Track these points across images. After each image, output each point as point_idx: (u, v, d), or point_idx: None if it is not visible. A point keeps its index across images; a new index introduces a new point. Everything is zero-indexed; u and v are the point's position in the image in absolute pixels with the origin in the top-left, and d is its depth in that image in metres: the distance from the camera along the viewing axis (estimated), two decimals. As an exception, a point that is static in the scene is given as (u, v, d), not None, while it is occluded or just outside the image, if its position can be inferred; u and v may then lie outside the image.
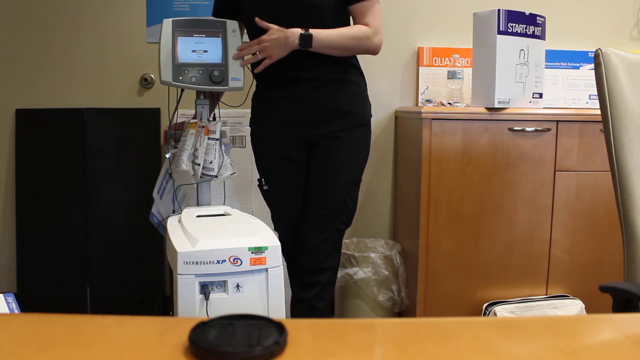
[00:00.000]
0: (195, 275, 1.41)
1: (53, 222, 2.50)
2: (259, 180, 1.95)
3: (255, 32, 1.82)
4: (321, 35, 1.73)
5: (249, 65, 1.90)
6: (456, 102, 2.55)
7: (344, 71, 1.83)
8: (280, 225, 1.97)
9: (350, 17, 1.84)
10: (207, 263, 1.41)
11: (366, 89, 1.92)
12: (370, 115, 1.93)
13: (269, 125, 1.91)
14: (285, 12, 1.76)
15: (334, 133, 1.83)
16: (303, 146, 1.87)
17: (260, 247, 1.45)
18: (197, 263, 1.41)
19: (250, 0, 1.82)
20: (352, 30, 1.78)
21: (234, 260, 1.42)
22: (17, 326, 0.62)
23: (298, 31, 1.72)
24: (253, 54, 1.82)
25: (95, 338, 0.59)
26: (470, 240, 2.25)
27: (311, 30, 1.72)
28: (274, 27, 1.74)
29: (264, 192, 1.95)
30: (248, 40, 1.87)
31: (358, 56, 1.90)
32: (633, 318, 0.72)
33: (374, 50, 1.82)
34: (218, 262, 1.41)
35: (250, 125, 1.99)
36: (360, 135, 1.88)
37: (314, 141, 1.86)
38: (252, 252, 1.44)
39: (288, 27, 1.74)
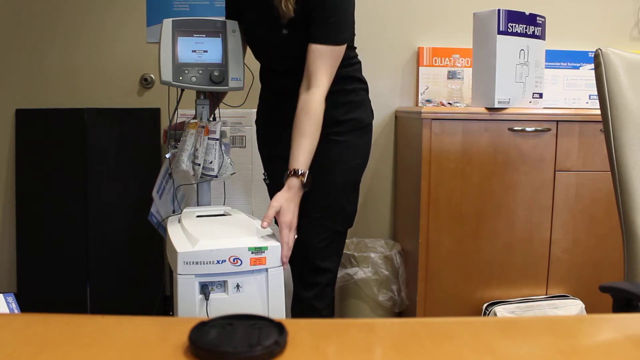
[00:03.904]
0: (195, 275, 1.41)
1: (53, 222, 2.50)
2: (264, 174, 1.98)
3: (254, 45, 1.85)
4: (309, 159, 1.65)
5: (250, 68, 1.92)
6: (456, 102, 2.55)
7: (345, 83, 1.83)
8: None
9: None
10: (207, 263, 1.41)
11: (367, 96, 1.92)
12: (371, 119, 1.93)
13: (267, 125, 1.94)
14: (272, 52, 1.79)
15: (328, 135, 1.83)
16: None
17: (261, 248, 1.45)
18: (197, 263, 1.41)
19: (245, 31, 1.85)
20: (315, 120, 1.67)
21: (234, 261, 1.42)
22: (17, 326, 0.62)
23: (297, 185, 1.63)
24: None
25: (95, 338, 0.59)
26: (470, 240, 2.25)
27: (299, 166, 1.62)
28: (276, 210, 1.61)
29: (267, 187, 1.98)
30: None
31: (360, 57, 1.90)
32: (633, 318, 0.72)
33: None
34: (218, 262, 1.41)
35: (255, 123, 2.02)
36: (357, 138, 1.87)
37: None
38: (252, 252, 1.44)
39: (276, 60, 1.78)
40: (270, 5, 1.66)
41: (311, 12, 1.66)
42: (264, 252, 1.45)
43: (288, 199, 1.59)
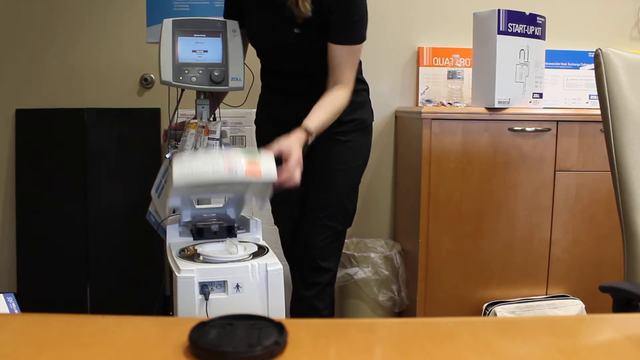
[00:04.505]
0: (188, 195, 1.42)
1: (53, 222, 2.50)
2: None
3: (255, 47, 1.85)
4: (319, 127, 1.67)
5: (250, 68, 1.92)
6: (456, 102, 2.55)
7: None
8: (280, 221, 1.99)
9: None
10: (202, 172, 1.40)
11: (368, 97, 1.92)
12: (372, 120, 1.93)
13: (267, 125, 1.94)
14: (280, 52, 1.79)
15: (332, 135, 1.83)
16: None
17: (254, 154, 1.44)
18: (192, 173, 1.39)
19: (250, 30, 1.84)
20: (337, 106, 1.71)
21: (229, 170, 1.40)
22: (17, 326, 0.62)
23: (302, 139, 1.62)
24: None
25: (95, 338, 0.59)
26: (470, 240, 2.25)
27: (310, 125, 1.63)
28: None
29: None
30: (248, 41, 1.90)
31: (360, 57, 1.90)
32: (633, 318, 0.72)
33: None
34: (213, 171, 1.40)
35: (255, 123, 2.02)
36: (360, 138, 1.88)
37: (312, 143, 1.87)
38: (246, 157, 1.43)
39: (282, 60, 1.77)
40: (281, 5, 1.66)
41: (328, 12, 1.67)
42: (257, 160, 1.43)
43: (296, 143, 1.57)
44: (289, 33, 1.71)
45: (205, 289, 1.42)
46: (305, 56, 1.74)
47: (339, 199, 1.85)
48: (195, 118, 1.92)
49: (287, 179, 1.48)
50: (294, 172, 1.50)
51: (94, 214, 2.50)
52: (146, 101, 2.58)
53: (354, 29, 1.71)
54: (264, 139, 2.00)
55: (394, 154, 2.67)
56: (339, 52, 1.71)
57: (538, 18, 2.24)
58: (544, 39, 2.27)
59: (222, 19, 1.87)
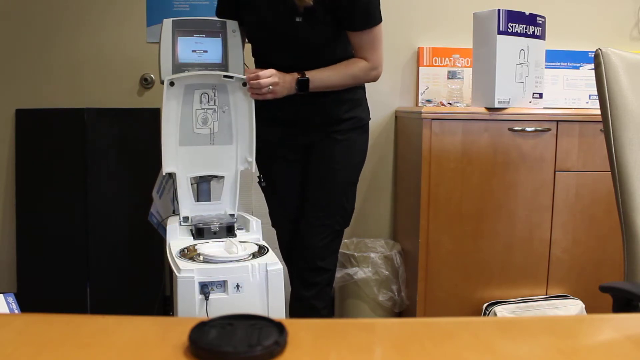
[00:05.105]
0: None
1: (53, 222, 2.50)
2: (258, 177, 1.97)
3: (255, 40, 1.84)
4: (317, 78, 1.73)
5: (246, 66, 1.91)
6: (456, 102, 2.55)
7: None
8: (277, 221, 1.99)
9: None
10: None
11: (365, 94, 1.93)
12: (369, 119, 1.93)
13: (265, 125, 1.93)
14: (281, 43, 1.79)
15: (330, 134, 1.83)
16: (299, 147, 1.89)
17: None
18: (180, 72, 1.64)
19: (250, 22, 1.84)
20: (350, 70, 1.78)
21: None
22: (17, 326, 0.62)
23: (295, 76, 1.73)
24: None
25: (95, 338, 0.59)
26: (470, 240, 2.25)
27: (308, 74, 1.73)
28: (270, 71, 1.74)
29: (263, 189, 1.97)
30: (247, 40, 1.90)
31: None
32: (633, 318, 0.72)
33: (371, 81, 1.86)
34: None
35: None
36: (357, 137, 1.88)
37: (310, 142, 1.87)
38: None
39: (283, 54, 1.78)
40: None
41: (336, 4, 1.68)
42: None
43: (283, 75, 1.72)
44: (291, 22, 1.71)
45: (205, 289, 1.42)
46: (306, 49, 1.74)
47: (337, 198, 1.85)
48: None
49: (254, 77, 1.70)
50: (264, 77, 1.70)
51: (94, 214, 2.50)
52: (146, 101, 2.58)
53: (365, 14, 1.73)
54: (261, 139, 1.99)
55: (394, 154, 2.67)
56: (356, 39, 1.76)
57: (538, 18, 2.24)
58: (544, 39, 2.27)
59: (222, 19, 1.87)
